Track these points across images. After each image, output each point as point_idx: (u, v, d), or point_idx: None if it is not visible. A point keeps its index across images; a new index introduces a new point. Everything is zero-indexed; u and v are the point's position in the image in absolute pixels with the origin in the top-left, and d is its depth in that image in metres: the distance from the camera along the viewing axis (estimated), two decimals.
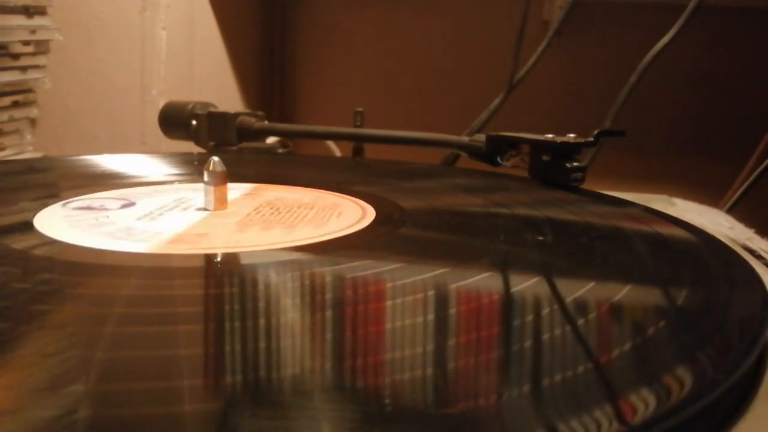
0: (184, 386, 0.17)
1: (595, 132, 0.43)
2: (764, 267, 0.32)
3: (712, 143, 0.90)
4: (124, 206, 0.35)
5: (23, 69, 0.63)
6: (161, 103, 0.63)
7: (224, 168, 0.34)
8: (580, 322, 0.22)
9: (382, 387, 0.18)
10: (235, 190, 0.38)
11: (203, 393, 0.17)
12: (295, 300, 0.23)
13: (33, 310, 0.22)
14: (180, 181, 0.42)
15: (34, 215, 0.33)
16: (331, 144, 0.69)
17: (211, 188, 0.34)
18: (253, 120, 0.57)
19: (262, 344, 0.20)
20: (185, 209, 0.34)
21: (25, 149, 0.65)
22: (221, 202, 0.34)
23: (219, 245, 0.29)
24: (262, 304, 0.23)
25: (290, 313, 0.22)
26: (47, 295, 0.24)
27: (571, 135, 0.43)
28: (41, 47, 0.65)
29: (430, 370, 0.19)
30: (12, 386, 0.17)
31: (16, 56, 0.62)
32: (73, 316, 0.22)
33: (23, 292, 0.24)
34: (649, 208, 0.39)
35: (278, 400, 0.17)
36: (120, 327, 0.21)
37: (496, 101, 0.71)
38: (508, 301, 0.24)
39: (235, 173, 0.37)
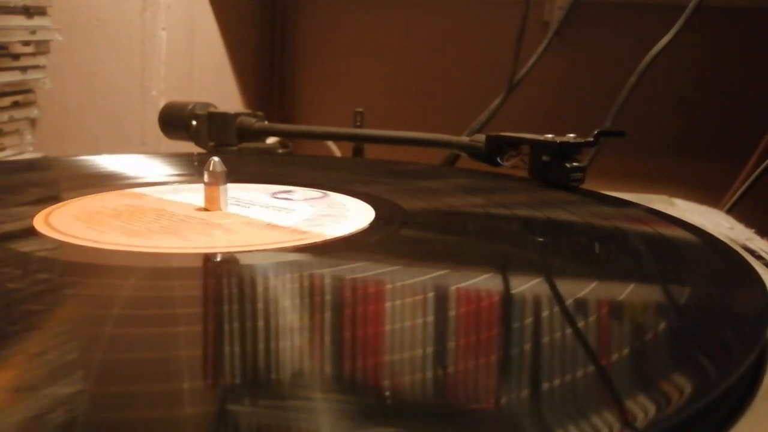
0: (182, 388, 0.17)
1: (595, 132, 0.43)
2: (764, 267, 0.32)
3: (712, 143, 0.90)
4: None
5: (23, 69, 0.63)
6: (161, 104, 0.63)
7: (224, 168, 0.34)
8: (580, 323, 0.22)
9: (381, 388, 0.18)
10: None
11: (200, 395, 0.17)
12: (295, 301, 0.23)
13: (31, 311, 0.22)
14: (180, 182, 0.42)
15: (34, 215, 0.33)
16: (331, 144, 0.69)
17: (210, 188, 0.34)
18: (253, 120, 0.57)
19: (260, 345, 0.20)
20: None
21: (25, 149, 0.65)
22: (219, 202, 0.34)
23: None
24: (261, 305, 0.23)
25: (289, 314, 0.22)
26: (46, 296, 0.24)
27: (571, 135, 0.43)
28: (41, 47, 0.65)
29: (430, 372, 0.19)
30: (6, 387, 0.17)
31: (16, 56, 0.62)
32: (70, 316, 0.22)
33: (21, 292, 0.24)
34: (650, 208, 0.39)
35: (277, 401, 0.17)
36: (114, 328, 0.21)
37: (496, 101, 0.71)
38: (508, 302, 0.24)
39: (235, 173, 0.37)
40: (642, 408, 0.17)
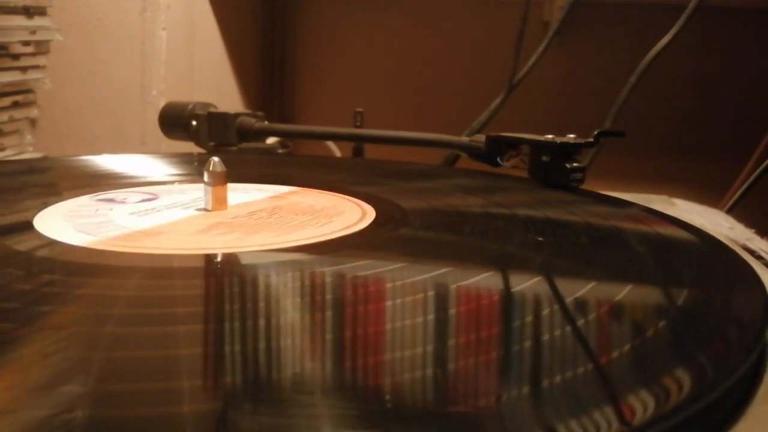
0: (183, 387, 0.17)
1: (595, 132, 0.43)
2: (764, 267, 0.32)
3: (712, 143, 0.90)
4: (142, 200, 0.36)
5: (23, 69, 0.63)
6: (161, 104, 0.63)
7: (224, 168, 0.34)
8: (580, 322, 0.22)
9: (381, 387, 0.18)
10: (261, 192, 0.38)
11: (202, 393, 0.17)
12: (295, 300, 0.23)
13: (33, 311, 0.22)
14: (180, 182, 0.42)
15: (35, 215, 0.33)
16: (331, 144, 0.69)
17: (211, 188, 0.34)
18: (253, 120, 0.57)
19: (261, 344, 0.20)
20: (186, 208, 0.34)
21: (25, 149, 0.65)
22: (220, 202, 0.34)
23: (166, 246, 0.29)
24: (262, 304, 0.23)
25: (290, 313, 0.22)
26: (47, 296, 0.24)
27: (571, 135, 0.43)
28: (41, 47, 0.65)
29: (429, 371, 0.19)
30: (11, 386, 0.17)
31: (16, 56, 0.62)
32: (72, 316, 0.22)
33: (23, 293, 0.24)
34: (649, 208, 0.39)
35: (278, 400, 0.17)
36: (117, 327, 0.21)
37: (496, 101, 0.71)
38: (508, 301, 0.24)
39: (235, 173, 0.37)
40: (641, 408, 0.17)
